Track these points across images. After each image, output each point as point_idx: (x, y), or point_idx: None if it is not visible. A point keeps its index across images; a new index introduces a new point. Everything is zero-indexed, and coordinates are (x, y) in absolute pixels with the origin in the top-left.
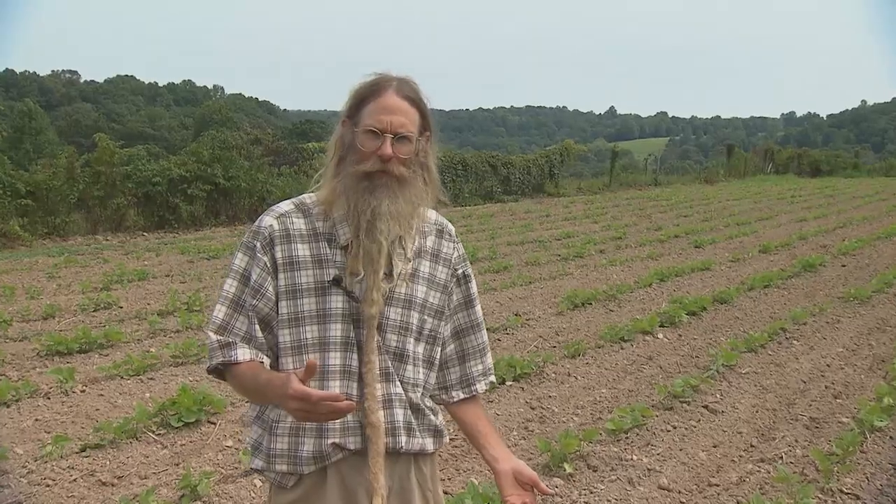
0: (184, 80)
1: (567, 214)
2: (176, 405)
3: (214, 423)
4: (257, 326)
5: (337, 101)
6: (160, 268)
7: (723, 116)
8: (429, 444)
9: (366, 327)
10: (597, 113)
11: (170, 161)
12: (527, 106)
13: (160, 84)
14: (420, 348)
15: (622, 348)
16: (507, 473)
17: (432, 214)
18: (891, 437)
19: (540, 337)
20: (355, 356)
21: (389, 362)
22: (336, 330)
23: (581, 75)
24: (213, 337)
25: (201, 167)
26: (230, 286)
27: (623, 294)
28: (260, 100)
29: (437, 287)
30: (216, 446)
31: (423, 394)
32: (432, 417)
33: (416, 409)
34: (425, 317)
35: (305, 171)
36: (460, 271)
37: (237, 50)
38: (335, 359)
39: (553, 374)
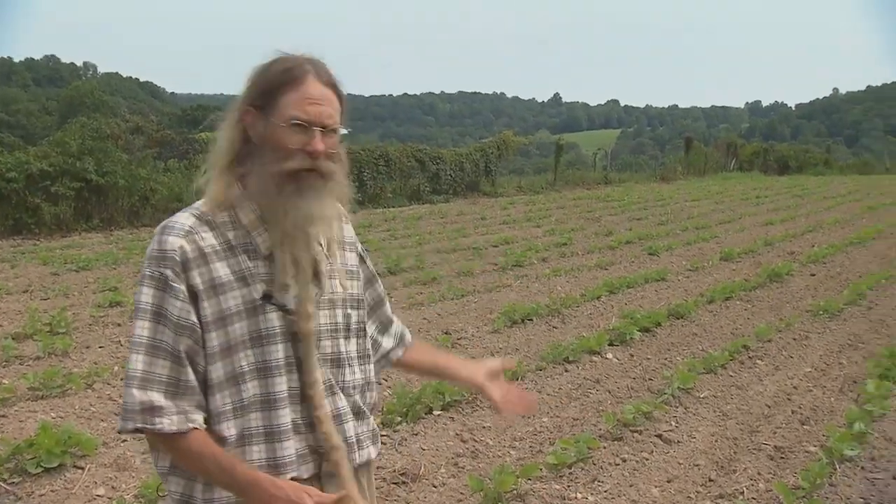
0: (45, 56)
1: (505, 217)
2: (34, 447)
3: (82, 468)
4: (188, 368)
5: (237, 84)
6: (16, 282)
7: (681, 106)
8: (373, 452)
9: (304, 344)
10: (540, 101)
11: (28, 153)
12: (459, 92)
13: (15, 60)
14: (353, 346)
15: (566, 370)
16: (487, 384)
17: None
18: (862, 468)
19: (473, 358)
20: (295, 377)
21: (329, 373)
22: (277, 351)
23: (522, 58)
24: (135, 395)
25: (68, 161)
26: (142, 329)
27: (568, 308)
28: (142, 81)
29: (352, 275)
30: (84, 496)
31: (362, 394)
32: (371, 420)
33: (359, 414)
34: (349, 311)
35: (197, 166)
36: (359, 249)
37: (113, 20)
38: (281, 384)
39: (488, 402)
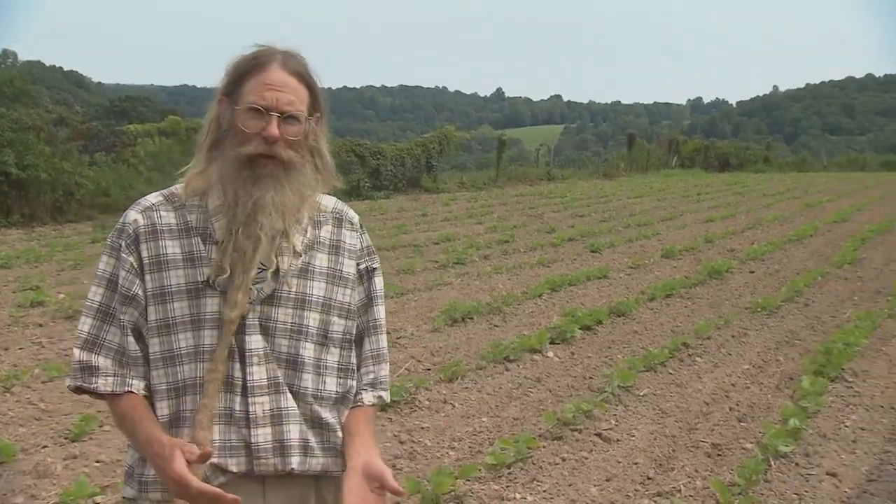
0: None
1: (447, 214)
2: None
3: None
4: (131, 338)
5: (168, 74)
6: None
7: (624, 102)
8: (334, 465)
9: (223, 332)
10: (482, 95)
11: None
12: (400, 85)
13: None
14: (329, 354)
15: (507, 369)
16: (355, 470)
17: (330, 202)
18: (796, 464)
19: (412, 358)
20: (238, 366)
21: (279, 371)
22: (212, 337)
23: (464, 52)
24: (76, 354)
25: None
26: (95, 294)
27: (509, 306)
28: (66, 70)
29: (342, 282)
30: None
31: (333, 407)
32: (340, 435)
33: (319, 424)
34: (332, 317)
35: (126, 160)
36: (363, 266)
37: (34, 4)
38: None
39: (427, 402)
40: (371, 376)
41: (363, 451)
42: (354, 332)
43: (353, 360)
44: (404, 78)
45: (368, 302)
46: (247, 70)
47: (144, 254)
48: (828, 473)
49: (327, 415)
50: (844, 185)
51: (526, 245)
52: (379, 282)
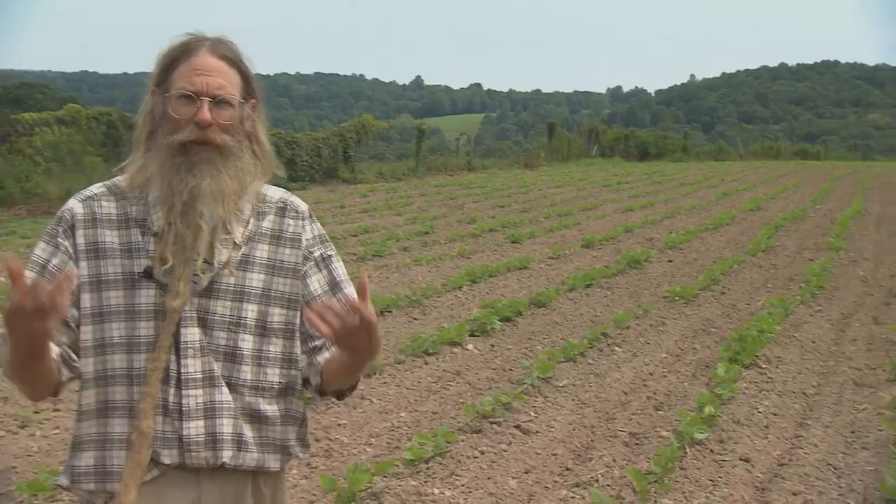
0: None
1: (365, 205)
2: None
3: None
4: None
5: (67, 60)
6: None
7: (544, 90)
8: (272, 460)
9: (165, 322)
10: (401, 83)
11: None
12: (316, 73)
13: None
14: (271, 346)
15: (426, 363)
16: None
17: (275, 192)
18: (711, 451)
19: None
20: (173, 358)
21: (216, 364)
22: (147, 328)
23: (382, 39)
24: None
25: None
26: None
27: (429, 299)
28: None
29: (283, 272)
30: None
31: (276, 399)
32: (282, 429)
33: (256, 418)
34: (271, 308)
35: (22, 150)
36: (318, 254)
37: None
38: (148, 361)
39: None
40: None
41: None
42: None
43: (295, 351)
44: (320, 65)
45: (334, 287)
46: (176, 58)
47: (81, 240)
48: (741, 459)
49: (268, 407)
50: (759, 173)
51: (446, 236)
52: (340, 267)
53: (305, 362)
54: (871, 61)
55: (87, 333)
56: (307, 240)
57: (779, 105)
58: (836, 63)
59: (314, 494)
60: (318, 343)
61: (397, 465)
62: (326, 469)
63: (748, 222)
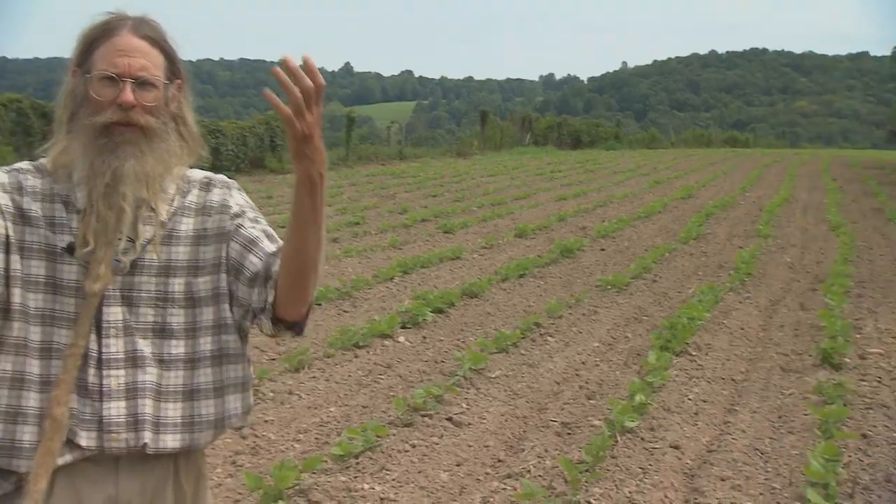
0: None
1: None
2: None
3: None
4: None
5: None
6: None
7: (476, 78)
8: (200, 439)
9: (85, 305)
10: (329, 70)
11: None
12: (241, 59)
13: None
14: (202, 315)
15: (357, 356)
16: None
17: (199, 173)
18: (642, 438)
19: (256, 348)
20: (94, 338)
21: (143, 343)
22: (69, 305)
23: (309, 23)
24: None
25: None
26: None
27: (360, 291)
28: None
29: (208, 240)
30: None
31: (212, 369)
32: (216, 401)
33: (189, 394)
34: (197, 278)
35: None
36: (251, 215)
37: None
38: (67, 338)
39: (271, 394)
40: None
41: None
42: (238, 287)
43: (225, 315)
44: (245, 51)
45: (270, 237)
46: (96, 38)
47: (8, 202)
48: (671, 446)
49: (203, 380)
50: (691, 161)
51: (377, 227)
52: (263, 226)
53: (254, 293)
54: (798, 49)
55: (15, 297)
56: (238, 204)
57: (709, 93)
58: (765, 51)
59: (240, 493)
60: (255, 267)
61: (326, 461)
62: (253, 467)
63: (680, 210)
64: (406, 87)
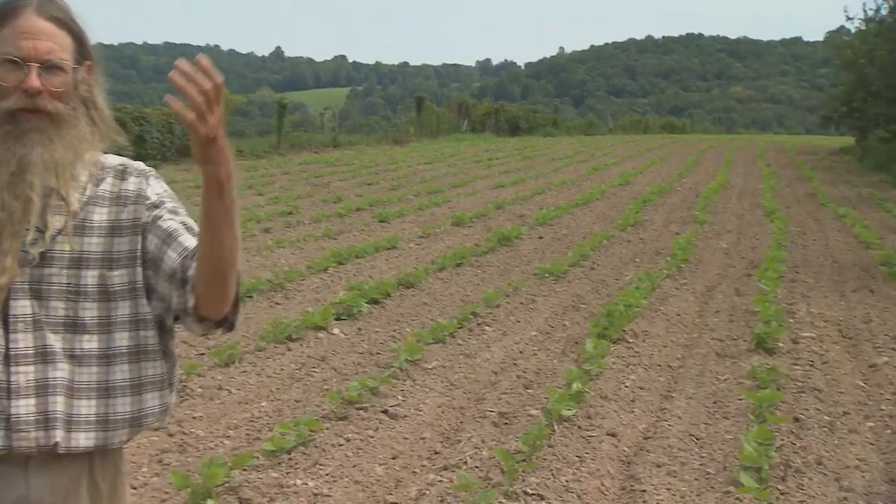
0: None
1: None
2: None
3: None
4: None
5: None
6: None
7: (412, 63)
8: (117, 436)
9: None
10: (259, 55)
11: None
12: (166, 43)
13: None
14: (117, 310)
15: (289, 349)
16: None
17: (114, 159)
18: (579, 427)
19: (184, 342)
20: (1, 332)
21: (53, 337)
22: None
23: (237, 5)
24: None
25: None
26: None
27: (293, 282)
28: None
29: (123, 232)
30: None
31: (129, 366)
32: (133, 399)
33: (104, 391)
34: (112, 271)
35: None
36: (169, 205)
37: None
38: None
39: (200, 389)
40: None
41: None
42: (157, 280)
43: (143, 310)
44: (170, 35)
45: (190, 230)
46: None
47: None
48: (608, 434)
49: (119, 377)
50: (628, 147)
51: (311, 216)
52: (185, 219)
53: (174, 294)
54: (732, 34)
55: None
56: (156, 194)
57: (646, 78)
58: (701, 36)
59: (166, 493)
60: (173, 264)
61: (257, 457)
62: (180, 465)
63: (617, 197)
64: (339, 72)
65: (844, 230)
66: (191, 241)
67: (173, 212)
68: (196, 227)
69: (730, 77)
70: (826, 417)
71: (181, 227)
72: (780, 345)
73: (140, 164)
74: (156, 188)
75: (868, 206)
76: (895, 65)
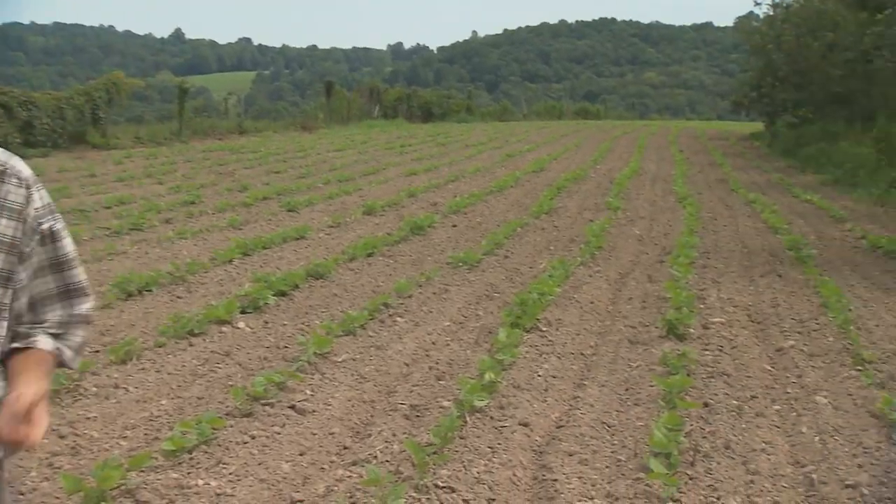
0: None
1: (121, 173)
2: None
3: None
4: None
5: None
6: None
7: (321, 46)
8: None
9: None
10: (158, 37)
11: None
12: (56, 23)
13: None
14: None
15: (192, 345)
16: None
17: None
18: (491, 417)
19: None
20: None
21: None
22: None
23: None
24: None
25: None
26: None
27: (195, 275)
28: None
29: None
30: None
31: None
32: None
33: None
34: None
35: None
36: (46, 226)
37: None
38: None
39: (94, 389)
40: (59, 331)
41: (22, 385)
42: (19, 304)
43: (3, 333)
44: (60, 14)
45: (57, 266)
46: None
47: None
48: (520, 424)
49: None
50: (543, 134)
51: (215, 206)
52: (68, 243)
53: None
54: (645, 19)
55: None
56: (36, 209)
57: (560, 63)
58: (613, 21)
59: (57, 497)
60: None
61: (156, 458)
62: (73, 468)
63: (532, 184)
64: (244, 55)
65: (754, 215)
66: (55, 315)
67: (53, 237)
68: (76, 287)
69: (643, 62)
70: (734, 402)
71: (56, 291)
72: (691, 331)
73: (22, 168)
74: (42, 200)
75: (777, 191)
76: (802, 50)
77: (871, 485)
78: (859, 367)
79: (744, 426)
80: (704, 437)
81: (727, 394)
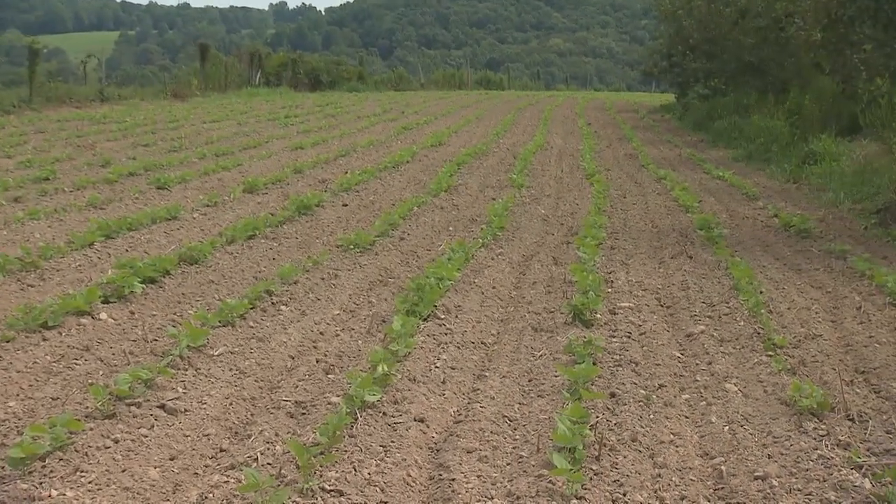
0: None
1: None
2: None
3: None
4: None
5: None
6: None
7: (194, 5)
8: None
9: None
10: None
11: None
12: None
13: None
14: None
15: (45, 339)
16: None
17: None
18: (384, 413)
19: None
20: None
21: None
22: None
23: None
24: None
25: None
26: None
27: (49, 260)
28: None
29: None
30: None
31: None
32: None
33: None
34: None
35: None
36: None
37: None
38: None
39: None
40: None
41: None
42: None
43: None
44: None
45: None
46: None
47: None
48: (416, 419)
49: None
50: (442, 104)
51: (72, 183)
52: None
53: None
54: None
55: None
56: None
57: (460, 28)
58: None
59: None
60: None
61: (2, 467)
62: None
63: (430, 159)
64: (105, 13)
65: (664, 193)
66: None
67: None
68: None
69: (549, 28)
70: (642, 391)
71: None
72: (598, 316)
73: None
74: None
75: (688, 167)
76: (713, 17)
77: (781, 475)
78: (770, 353)
79: (652, 417)
80: (611, 430)
81: (635, 383)
